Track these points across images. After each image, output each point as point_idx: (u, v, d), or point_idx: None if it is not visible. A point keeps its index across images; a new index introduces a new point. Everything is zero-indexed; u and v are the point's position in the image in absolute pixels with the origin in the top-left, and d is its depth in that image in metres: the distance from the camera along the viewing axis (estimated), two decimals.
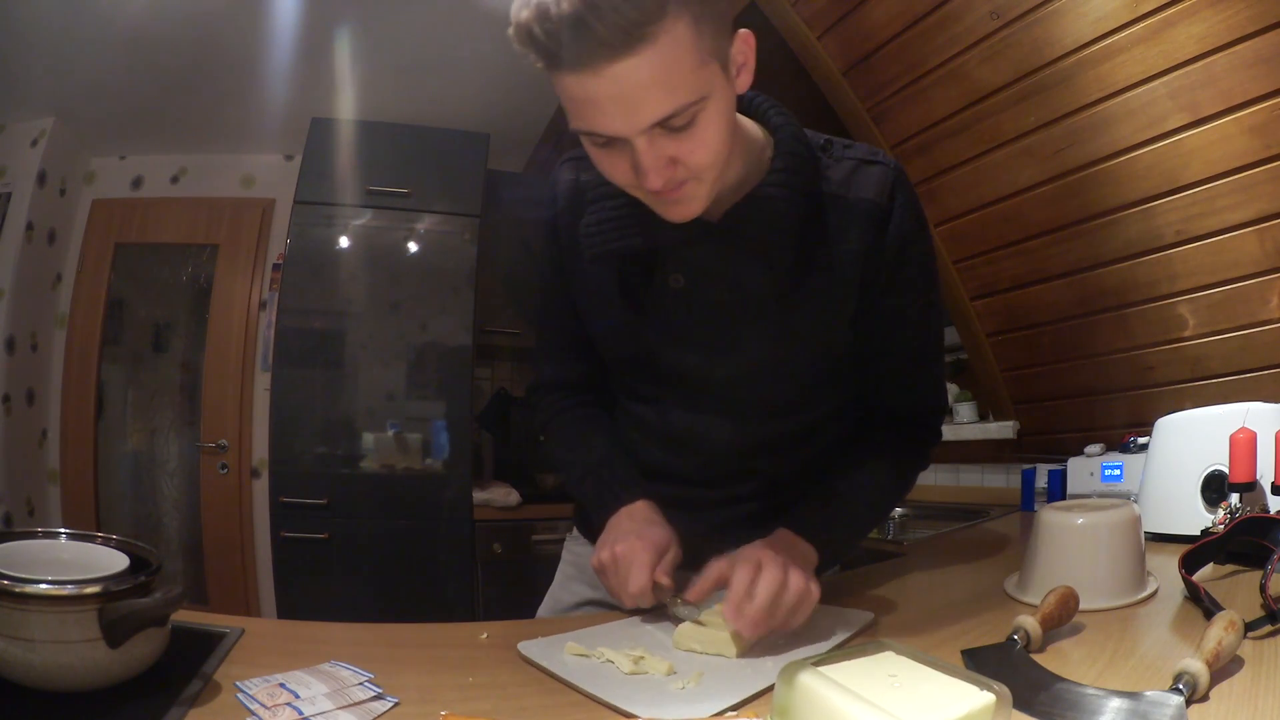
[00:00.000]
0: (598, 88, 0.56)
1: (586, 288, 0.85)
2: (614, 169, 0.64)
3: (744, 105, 0.77)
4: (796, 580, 0.67)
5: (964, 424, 2.15)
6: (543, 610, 1.00)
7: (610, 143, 0.61)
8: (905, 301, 0.80)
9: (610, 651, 0.66)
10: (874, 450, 0.86)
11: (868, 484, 0.84)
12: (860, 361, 0.84)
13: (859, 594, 0.88)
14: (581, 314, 0.88)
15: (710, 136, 0.61)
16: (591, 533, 0.99)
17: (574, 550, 1.01)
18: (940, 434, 0.91)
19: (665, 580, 0.74)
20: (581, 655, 0.67)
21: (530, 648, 0.68)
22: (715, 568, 0.72)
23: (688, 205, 0.67)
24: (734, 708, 0.56)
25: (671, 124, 0.59)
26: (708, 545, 0.77)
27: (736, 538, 0.76)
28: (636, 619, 0.78)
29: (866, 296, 0.77)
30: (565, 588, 0.99)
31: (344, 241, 2.66)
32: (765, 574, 0.67)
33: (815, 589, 0.69)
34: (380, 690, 0.58)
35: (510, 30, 0.57)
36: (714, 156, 0.63)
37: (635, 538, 0.75)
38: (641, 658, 0.64)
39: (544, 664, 0.65)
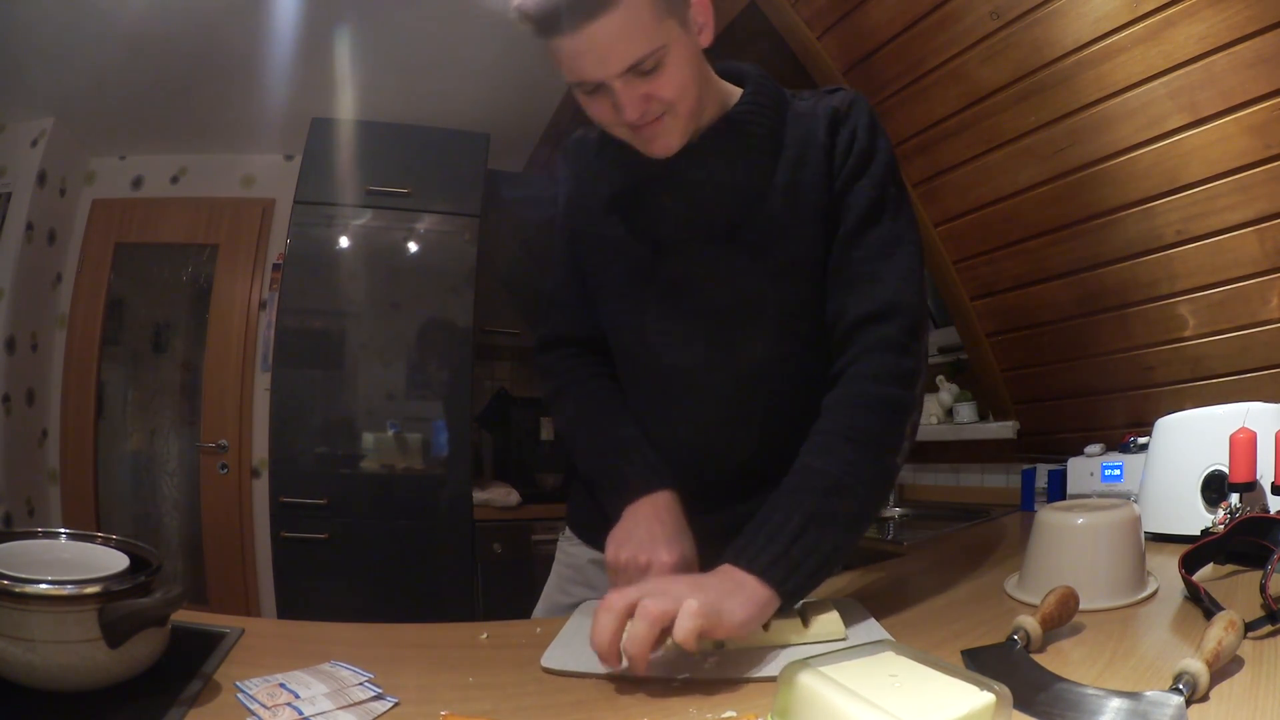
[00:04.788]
0: (579, 44, 0.70)
1: (588, 218, 0.91)
2: (601, 112, 0.77)
3: (731, 74, 0.88)
4: (645, 610, 0.59)
5: (964, 424, 2.15)
6: (538, 614, 0.98)
7: (595, 89, 0.74)
8: (871, 189, 0.81)
9: None
10: (842, 414, 0.76)
11: (835, 470, 0.72)
12: (832, 263, 0.82)
13: (860, 594, 0.88)
14: (582, 249, 0.93)
15: (675, 75, 0.74)
16: (584, 531, 0.98)
17: (568, 550, 1.00)
18: (919, 356, 0.79)
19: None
20: None
21: (552, 659, 0.65)
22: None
23: (666, 139, 0.78)
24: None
25: (641, 68, 0.71)
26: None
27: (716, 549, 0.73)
28: None
29: (838, 191, 0.83)
30: (563, 590, 0.97)
31: (344, 241, 2.66)
32: (635, 625, 0.59)
33: (674, 606, 0.59)
34: (380, 690, 0.58)
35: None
36: (680, 90, 0.75)
37: (680, 561, 0.74)
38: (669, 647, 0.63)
39: (572, 669, 0.63)
